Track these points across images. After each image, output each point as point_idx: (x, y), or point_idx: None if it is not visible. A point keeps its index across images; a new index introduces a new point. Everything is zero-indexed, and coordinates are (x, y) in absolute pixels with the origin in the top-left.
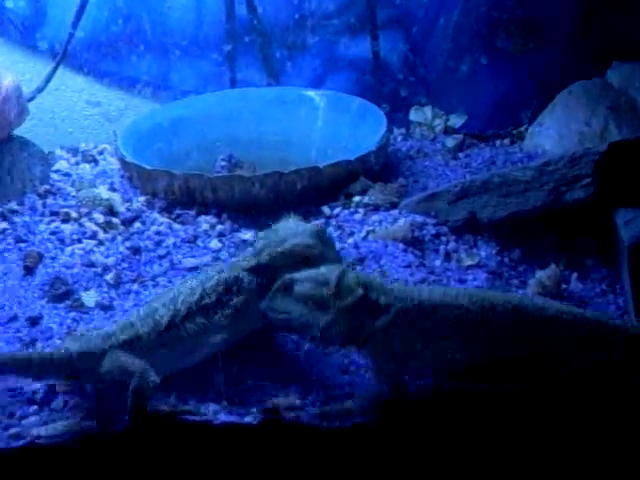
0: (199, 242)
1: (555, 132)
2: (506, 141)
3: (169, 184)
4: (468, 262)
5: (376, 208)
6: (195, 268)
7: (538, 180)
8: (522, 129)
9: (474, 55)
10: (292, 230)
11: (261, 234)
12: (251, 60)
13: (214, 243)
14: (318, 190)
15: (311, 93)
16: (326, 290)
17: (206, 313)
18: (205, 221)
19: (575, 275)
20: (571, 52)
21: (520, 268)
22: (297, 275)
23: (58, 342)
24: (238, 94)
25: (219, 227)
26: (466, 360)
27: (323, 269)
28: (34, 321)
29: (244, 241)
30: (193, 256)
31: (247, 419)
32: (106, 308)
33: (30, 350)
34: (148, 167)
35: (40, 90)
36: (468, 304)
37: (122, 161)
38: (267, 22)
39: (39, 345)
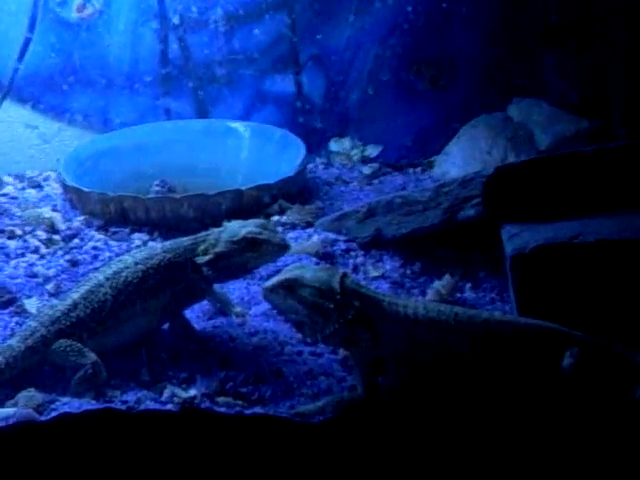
0: None
1: (460, 160)
2: (418, 169)
3: (105, 205)
4: (374, 274)
5: (293, 227)
6: None
7: (434, 200)
8: (432, 159)
9: (389, 90)
10: (240, 225)
11: (206, 232)
12: (183, 94)
13: None
14: (241, 210)
15: (237, 124)
16: (329, 304)
17: (145, 294)
18: (138, 238)
19: (469, 285)
20: (477, 89)
21: (421, 279)
22: (302, 278)
23: None
24: (170, 125)
25: (151, 243)
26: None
27: (324, 273)
28: None
29: None
30: None
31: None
32: None
33: None
34: (86, 189)
35: None
36: (448, 319)
37: (63, 184)
38: (198, 59)
39: None
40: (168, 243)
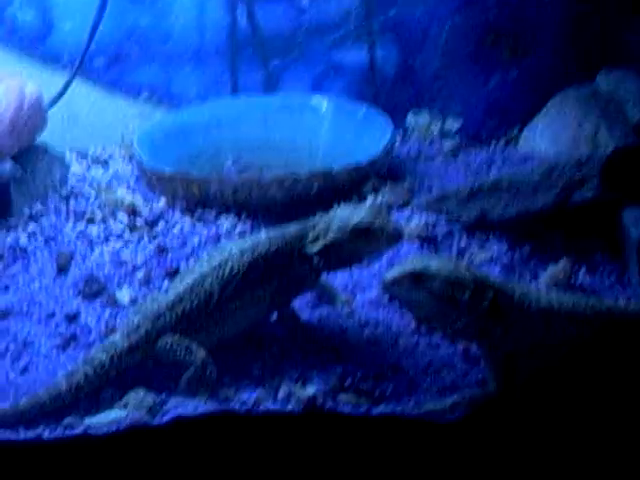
0: (222, 241)
1: (549, 135)
2: (501, 143)
3: (189, 187)
4: (481, 257)
5: (389, 207)
6: None
7: (546, 182)
8: (514, 132)
9: (466, 61)
10: (350, 211)
11: (315, 218)
12: (252, 68)
13: None
14: (332, 191)
15: (315, 99)
16: (463, 295)
17: (252, 285)
18: (226, 221)
19: (584, 269)
20: (559, 59)
21: (531, 263)
22: (429, 269)
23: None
24: (244, 100)
25: (240, 227)
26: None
27: (449, 263)
28: (72, 318)
29: None
30: None
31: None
32: None
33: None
34: (169, 171)
35: (58, 98)
36: (585, 311)
37: (141, 165)
38: (267, 31)
39: (80, 340)
40: (274, 231)
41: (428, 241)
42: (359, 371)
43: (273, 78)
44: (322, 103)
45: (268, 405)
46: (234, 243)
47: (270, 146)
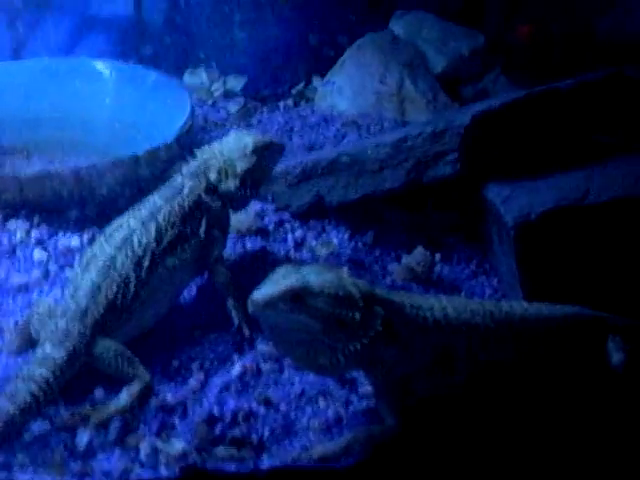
0: (19, 253)
1: (349, 91)
2: (290, 102)
3: None
4: (323, 251)
5: None
6: (25, 286)
7: (395, 158)
8: (300, 88)
9: (241, 12)
10: (235, 138)
11: (195, 159)
12: None
13: (37, 253)
14: (137, 180)
15: (89, 63)
16: (354, 314)
17: (170, 251)
18: (17, 227)
19: (438, 256)
20: (341, 2)
21: (376, 252)
22: (310, 284)
23: None
24: None
25: (35, 233)
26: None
27: (330, 274)
28: None
29: (71, 249)
30: (18, 271)
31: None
32: None
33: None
34: None
35: None
36: (484, 320)
37: None
38: None
39: None
40: (165, 191)
41: (259, 234)
42: (227, 413)
43: (20, 35)
44: (97, 67)
45: (137, 471)
46: (127, 217)
47: (37, 122)
